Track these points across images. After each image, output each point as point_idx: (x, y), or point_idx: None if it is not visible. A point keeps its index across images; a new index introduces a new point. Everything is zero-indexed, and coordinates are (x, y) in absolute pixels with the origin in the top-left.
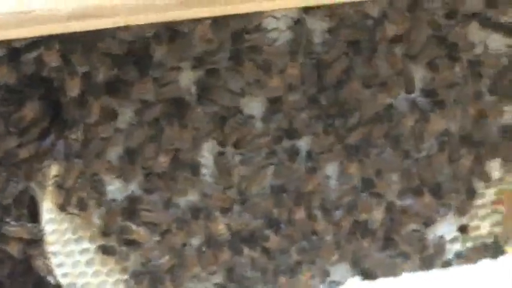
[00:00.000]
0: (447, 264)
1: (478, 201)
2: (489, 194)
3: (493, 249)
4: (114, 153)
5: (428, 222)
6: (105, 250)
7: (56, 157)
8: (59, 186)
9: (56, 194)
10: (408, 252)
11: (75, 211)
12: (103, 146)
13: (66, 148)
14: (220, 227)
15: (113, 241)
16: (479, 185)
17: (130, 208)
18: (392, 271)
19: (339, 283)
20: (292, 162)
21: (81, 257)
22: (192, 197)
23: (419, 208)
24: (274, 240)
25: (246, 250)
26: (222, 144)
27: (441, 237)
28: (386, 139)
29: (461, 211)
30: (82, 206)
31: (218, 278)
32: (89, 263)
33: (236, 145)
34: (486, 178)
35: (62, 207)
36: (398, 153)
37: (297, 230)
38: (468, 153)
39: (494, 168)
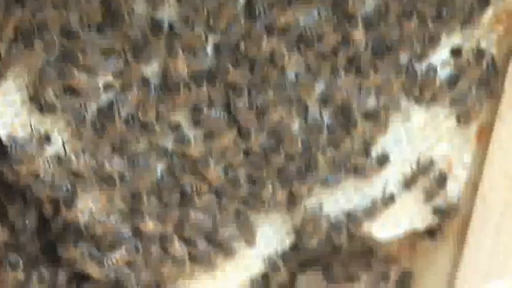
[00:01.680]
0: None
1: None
2: (487, 14)
3: (488, 73)
4: None
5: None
6: (41, 107)
7: None
8: None
9: None
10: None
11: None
12: None
13: None
14: (181, 66)
15: (52, 95)
16: None
17: (71, 51)
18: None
19: (316, 119)
20: None
21: (23, 107)
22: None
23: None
24: (235, 74)
25: (205, 86)
26: None
27: (430, 64)
28: None
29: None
30: (27, 43)
31: (179, 118)
32: (31, 112)
33: None
34: None
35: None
36: None
37: (270, 64)
38: None
39: None
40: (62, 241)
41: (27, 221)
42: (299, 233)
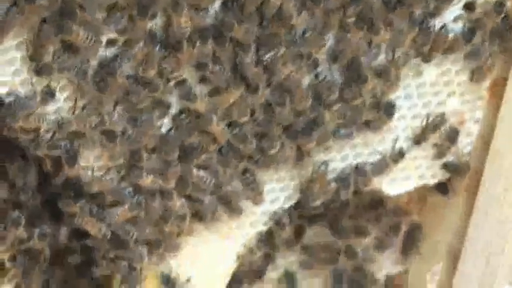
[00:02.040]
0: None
1: None
2: None
3: (502, 28)
4: None
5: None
6: (39, 71)
7: None
8: None
9: None
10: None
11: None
12: None
13: None
14: (184, 22)
15: (51, 53)
16: None
17: (70, 7)
18: None
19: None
20: None
21: (23, 65)
22: None
23: None
24: (240, 30)
25: (211, 43)
26: None
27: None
28: None
29: None
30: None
31: (185, 74)
32: (31, 70)
33: None
34: None
35: None
36: None
37: (278, 20)
38: None
39: None
40: (63, 196)
41: (27, 179)
42: (306, 189)
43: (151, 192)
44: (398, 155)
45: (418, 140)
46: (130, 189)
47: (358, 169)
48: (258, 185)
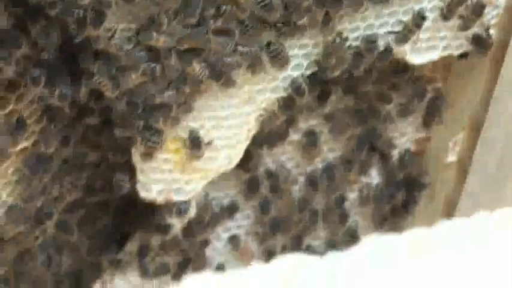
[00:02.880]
0: None
1: None
2: None
3: None
4: None
5: None
6: None
7: None
8: None
9: None
10: None
11: None
12: None
13: None
14: None
15: None
16: None
17: None
18: None
19: None
20: None
21: None
22: None
23: None
24: None
25: None
26: None
27: None
28: None
29: None
30: None
31: None
32: None
33: None
34: None
35: None
36: None
37: None
38: None
39: None
40: (83, 53)
41: (49, 39)
42: (325, 58)
43: (166, 55)
44: (420, 19)
45: (444, 12)
46: (145, 53)
47: (382, 38)
48: (282, 50)
